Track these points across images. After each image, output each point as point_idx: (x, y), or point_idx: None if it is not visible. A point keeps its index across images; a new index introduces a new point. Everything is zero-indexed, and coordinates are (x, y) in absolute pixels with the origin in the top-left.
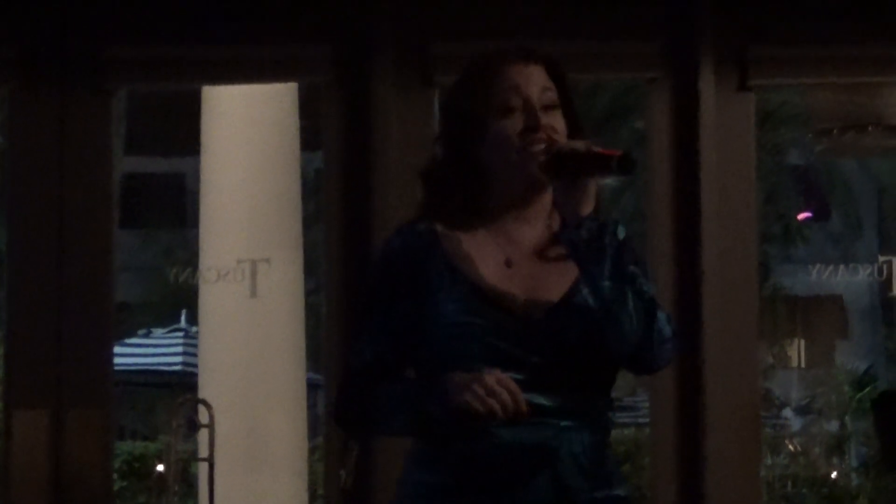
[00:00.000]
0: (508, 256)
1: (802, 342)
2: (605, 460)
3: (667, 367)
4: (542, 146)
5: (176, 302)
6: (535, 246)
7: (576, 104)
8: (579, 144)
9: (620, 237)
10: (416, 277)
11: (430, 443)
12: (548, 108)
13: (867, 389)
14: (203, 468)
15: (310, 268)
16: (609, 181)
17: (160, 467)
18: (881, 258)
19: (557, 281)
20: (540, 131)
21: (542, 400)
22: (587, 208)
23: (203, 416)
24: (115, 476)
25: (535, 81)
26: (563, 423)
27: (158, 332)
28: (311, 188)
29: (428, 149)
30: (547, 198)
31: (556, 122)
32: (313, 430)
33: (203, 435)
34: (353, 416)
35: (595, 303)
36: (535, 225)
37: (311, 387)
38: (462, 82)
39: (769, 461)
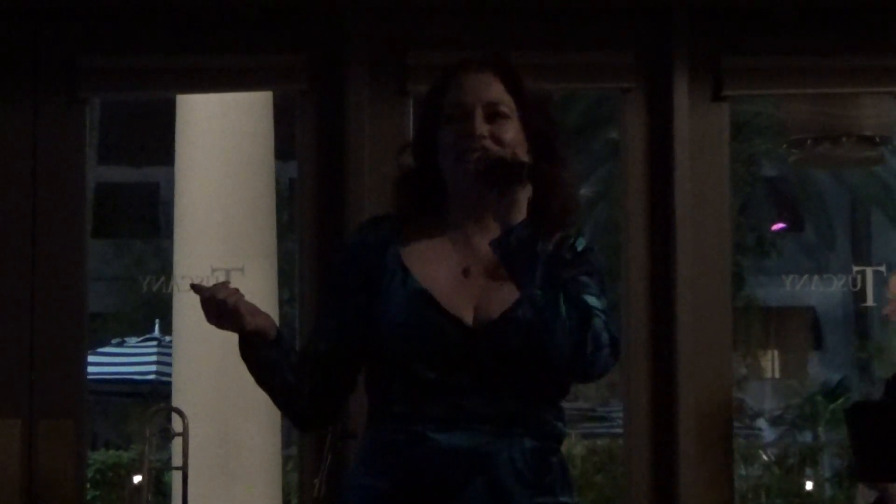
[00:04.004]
0: (467, 266)
1: (776, 353)
2: (550, 468)
3: (604, 374)
4: (477, 153)
5: (149, 311)
6: (491, 259)
7: (544, 114)
8: (506, 153)
9: (579, 249)
10: (370, 273)
11: (373, 448)
12: (496, 116)
13: (840, 400)
14: (177, 477)
15: (284, 277)
16: (584, 190)
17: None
18: (854, 269)
19: (507, 295)
20: (474, 138)
21: (480, 407)
22: (517, 216)
23: (177, 424)
24: (87, 486)
25: (479, 89)
26: (500, 430)
27: (132, 341)
28: (286, 197)
29: (402, 158)
30: None
31: (504, 131)
32: (287, 439)
33: (177, 444)
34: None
35: (529, 311)
36: (490, 236)
37: None
38: (425, 94)
39: (743, 472)
